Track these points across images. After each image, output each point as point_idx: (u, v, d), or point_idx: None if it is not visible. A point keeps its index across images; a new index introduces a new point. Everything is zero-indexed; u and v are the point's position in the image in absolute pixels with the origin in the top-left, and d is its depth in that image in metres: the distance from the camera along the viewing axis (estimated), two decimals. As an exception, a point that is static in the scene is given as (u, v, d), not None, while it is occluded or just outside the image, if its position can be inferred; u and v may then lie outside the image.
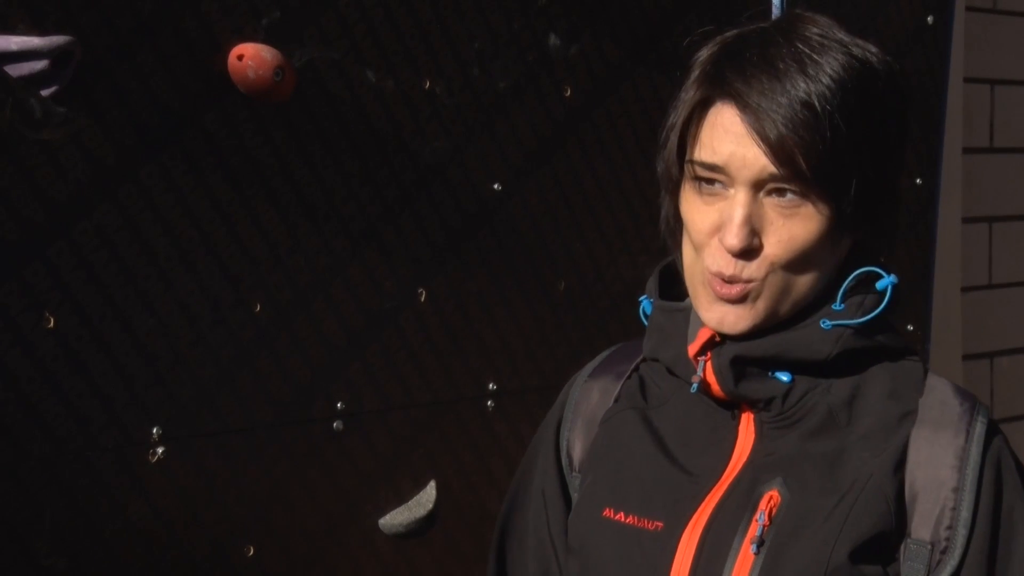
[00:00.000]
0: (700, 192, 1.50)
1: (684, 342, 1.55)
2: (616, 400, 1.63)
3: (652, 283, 1.62)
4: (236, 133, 2.36)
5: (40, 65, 2.10)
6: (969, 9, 3.65)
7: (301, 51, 2.43)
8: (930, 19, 3.51)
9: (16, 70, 2.10)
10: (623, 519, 1.53)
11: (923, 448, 1.49)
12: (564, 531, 1.63)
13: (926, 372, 1.56)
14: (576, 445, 1.65)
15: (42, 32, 2.12)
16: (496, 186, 2.72)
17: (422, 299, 2.63)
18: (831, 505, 1.47)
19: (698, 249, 1.51)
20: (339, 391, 2.53)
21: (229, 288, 2.38)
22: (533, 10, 2.73)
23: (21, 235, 2.15)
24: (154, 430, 2.31)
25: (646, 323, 1.62)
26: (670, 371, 1.59)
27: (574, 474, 1.64)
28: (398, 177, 2.58)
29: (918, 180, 3.54)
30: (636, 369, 1.65)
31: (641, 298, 1.63)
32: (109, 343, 2.25)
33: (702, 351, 1.52)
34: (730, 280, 1.48)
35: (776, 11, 2.39)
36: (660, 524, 1.51)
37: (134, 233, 2.26)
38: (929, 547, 1.47)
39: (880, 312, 1.53)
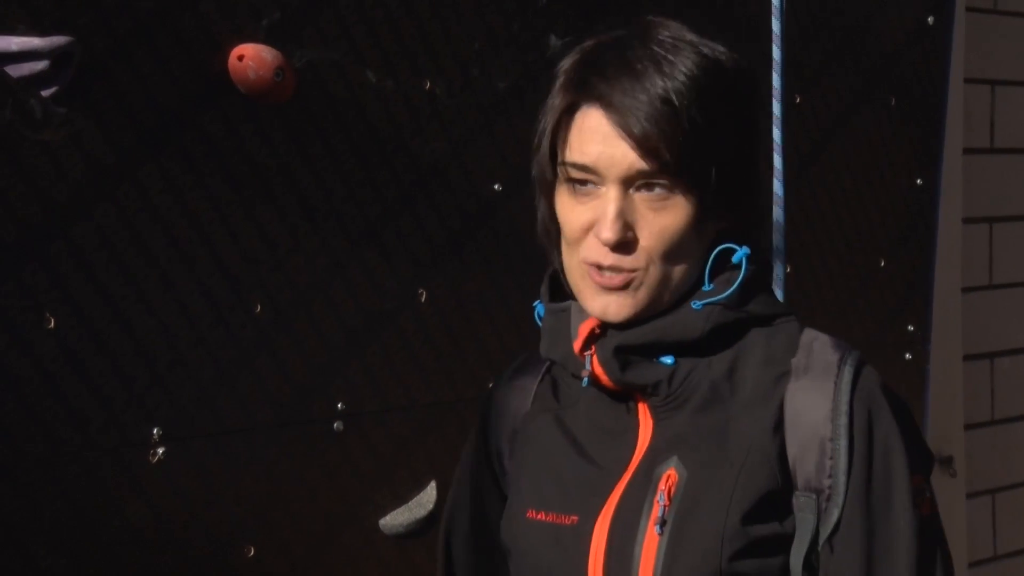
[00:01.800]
0: (574, 193, 1.60)
1: (570, 340, 1.63)
2: (533, 402, 1.74)
3: (544, 288, 1.72)
4: (236, 134, 2.36)
5: (40, 66, 2.10)
6: (969, 10, 3.65)
7: (301, 52, 2.43)
8: (930, 20, 3.51)
9: (16, 71, 2.10)
10: (544, 518, 1.63)
11: (797, 404, 1.58)
12: None
13: (800, 331, 1.64)
14: (503, 448, 1.76)
15: (42, 33, 2.12)
16: (496, 186, 2.72)
17: (422, 299, 2.63)
18: (722, 476, 1.55)
19: (574, 246, 1.60)
20: (339, 391, 2.53)
21: (229, 288, 2.38)
22: (532, 10, 2.73)
23: (21, 235, 2.15)
24: (154, 431, 2.31)
25: (540, 325, 1.72)
26: (565, 369, 1.68)
27: (506, 475, 1.75)
28: (398, 177, 2.58)
29: (918, 181, 3.54)
30: (548, 371, 1.75)
31: (535, 303, 1.72)
32: (109, 343, 2.25)
33: (586, 346, 1.61)
34: (610, 269, 1.57)
35: (776, 9, 2.39)
36: (576, 518, 1.60)
37: (134, 234, 2.26)
38: (815, 496, 1.56)
39: (741, 284, 1.60)
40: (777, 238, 2.28)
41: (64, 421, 2.21)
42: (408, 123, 2.58)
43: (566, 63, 1.64)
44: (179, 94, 2.29)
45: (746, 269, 1.60)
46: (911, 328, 3.57)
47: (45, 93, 2.13)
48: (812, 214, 3.30)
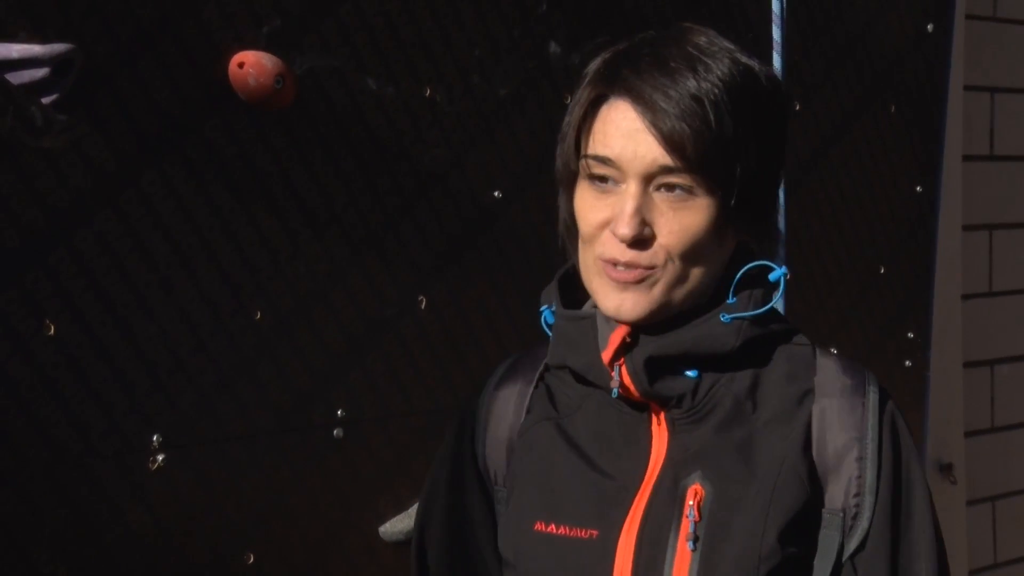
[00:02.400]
0: (593, 188, 1.57)
1: (595, 349, 1.59)
2: (528, 411, 1.69)
3: (552, 291, 1.68)
4: (237, 140, 2.36)
5: (41, 73, 2.11)
6: (969, 17, 3.65)
7: (302, 59, 2.43)
8: (930, 27, 3.51)
9: (17, 78, 2.10)
10: (555, 531, 1.59)
11: (824, 424, 1.58)
12: (494, 542, 1.68)
13: (815, 351, 1.64)
14: (495, 458, 1.71)
15: (43, 40, 2.12)
16: (496, 193, 2.72)
17: (422, 306, 2.63)
18: (753, 493, 1.54)
19: (590, 242, 1.57)
20: (339, 398, 2.54)
21: (229, 295, 2.38)
22: (533, 18, 2.74)
23: (22, 242, 2.15)
24: (154, 437, 2.31)
25: (548, 332, 1.67)
26: (581, 378, 1.63)
27: (498, 487, 1.70)
28: (398, 184, 2.58)
29: (918, 188, 3.54)
30: (541, 378, 1.71)
31: (542, 307, 1.68)
32: (109, 350, 2.25)
33: (616, 356, 1.57)
34: (626, 265, 1.54)
35: (776, 16, 2.39)
36: (595, 532, 1.57)
37: (134, 240, 2.26)
38: (841, 515, 1.56)
39: (774, 302, 1.61)
40: (777, 245, 2.29)
41: (65, 427, 2.21)
42: (409, 130, 2.58)
43: (597, 61, 1.62)
44: (180, 101, 2.29)
45: (783, 289, 1.60)
46: (911, 335, 3.57)
47: (46, 100, 2.13)
48: (812, 221, 3.31)
